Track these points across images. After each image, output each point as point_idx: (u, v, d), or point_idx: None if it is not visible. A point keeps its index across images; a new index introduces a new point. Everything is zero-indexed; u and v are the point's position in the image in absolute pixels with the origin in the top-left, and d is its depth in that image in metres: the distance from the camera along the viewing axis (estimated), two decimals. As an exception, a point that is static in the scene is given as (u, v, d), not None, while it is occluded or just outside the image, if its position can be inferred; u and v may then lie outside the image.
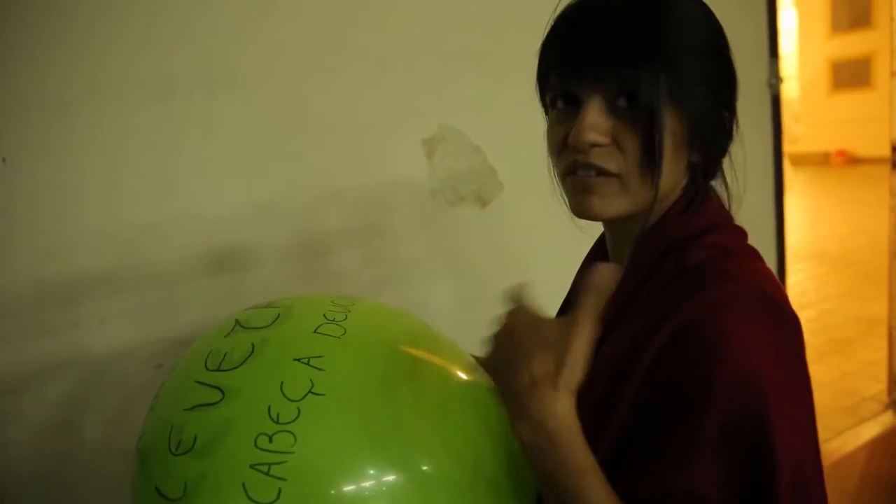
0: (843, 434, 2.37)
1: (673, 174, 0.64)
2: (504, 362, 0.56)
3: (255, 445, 0.52)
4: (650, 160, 0.61)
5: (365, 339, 0.64)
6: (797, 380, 0.60)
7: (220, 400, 0.56)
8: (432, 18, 1.39)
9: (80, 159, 1.07)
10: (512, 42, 1.39)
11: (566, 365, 0.53)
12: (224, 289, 1.20)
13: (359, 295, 1.06)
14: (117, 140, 1.10)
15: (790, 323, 0.60)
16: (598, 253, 0.83)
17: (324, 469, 0.53)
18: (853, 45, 10.44)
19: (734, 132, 0.68)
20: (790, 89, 4.59)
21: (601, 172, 0.62)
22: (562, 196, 0.70)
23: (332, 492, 0.52)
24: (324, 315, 0.65)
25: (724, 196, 0.71)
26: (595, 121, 0.61)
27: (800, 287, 4.15)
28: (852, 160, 10.81)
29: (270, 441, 0.52)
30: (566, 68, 0.64)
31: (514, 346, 0.56)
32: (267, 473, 0.51)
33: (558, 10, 0.67)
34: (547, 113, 0.73)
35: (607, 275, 0.54)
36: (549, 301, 0.87)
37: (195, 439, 0.55)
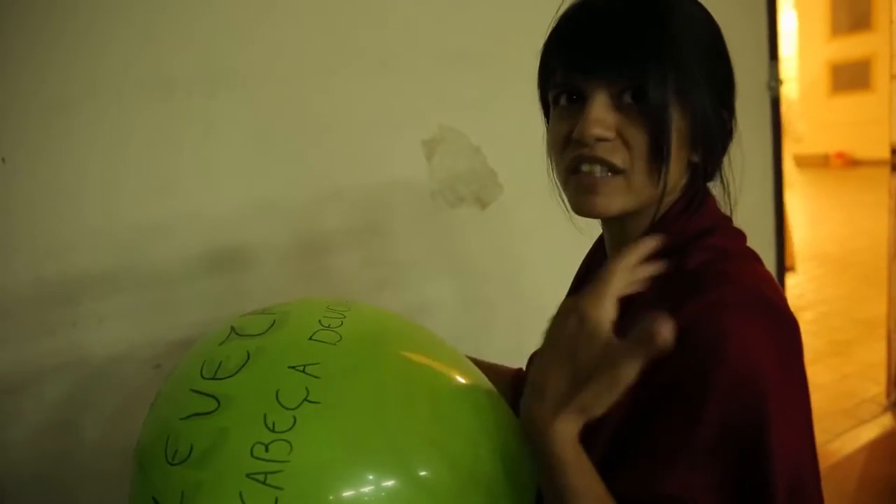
0: (842, 436, 2.37)
1: (675, 173, 0.64)
2: (534, 368, 0.56)
3: (252, 454, 0.52)
4: (656, 156, 0.62)
5: (361, 346, 0.63)
6: (795, 382, 0.60)
7: (216, 409, 0.56)
8: (432, 18, 1.39)
9: (80, 159, 1.07)
10: (512, 42, 1.40)
11: (586, 389, 0.51)
12: (224, 289, 1.20)
13: (358, 295, 1.06)
14: (117, 140, 1.10)
15: (789, 326, 0.60)
16: (597, 254, 0.83)
17: (321, 477, 0.52)
18: (853, 47, 10.45)
19: (733, 133, 0.68)
20: (790, 91, 4.58)
21: (606, 167, 0.62)
22: (561, 197, 0.70)
23: (330, 499, 0.52)
24: (319, 321, 0.65)
25: (723, 197, 0.71)
26: (601, 115, 0.61)
27: (799, 289, 4.15)
28: (852, 162, 10.82)
29: (266, 450, 0.52)
30: (572, 63, 0.64)
31: (544, 353, 0.55)
32: (263, 482, 0.51)
33: (561, 11, 0.67)
34: (547, 114, 0.73)
35: (668, 331, 0.48)
36: (547, 302, 0.87)
37: (191, 449, 0.54)
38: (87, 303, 1.09)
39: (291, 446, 0.52)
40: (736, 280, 0.60)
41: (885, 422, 2.47)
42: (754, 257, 0.67)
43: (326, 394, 0.56)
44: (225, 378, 0.58)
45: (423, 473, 0.55)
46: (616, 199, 0.63)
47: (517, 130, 1.25)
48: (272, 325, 0.64)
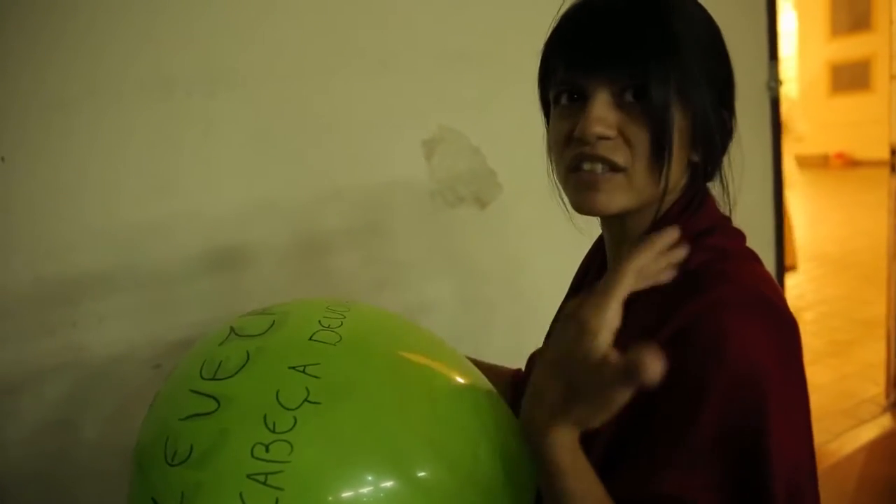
0: (841, 436, 2.37)
1: (675, 173, 0.64)
2: (535, 371, 0.55)
3: (252, 455, 0.52)
4: (658, 155, 0.62)
5: (361, 346, 0.63)
6: (795, 382, 0.60)
7: (216, 409, 0.56)
8: (432, 18, 1.39)
9: (80, 159, 1.07)
10: (512, 42, 1.40)
11: (580, 404, 0.50)
12: (223, 289, 1.21)
13: (358, 295, 1.06)
14: (117, 140, 1.10)
15: (788, 326, 0.60)
16: (596, 254, 0.83)
17: (321, 478, 0.52)
18: (853, 47, 10.45)
19: (733, 132, 0.69)
20: (790, 91, 4.59)
21: (608, 165, 0.62)
22: (561, 197, 0.70)
23: (331, 500, 0.52)
24: (319, 321, 0.64)
25: (722, 197, 0.71)
26: (602, 113, 0.61)
27: (799, 289, 4.15)
28: (851, 163, 10.82)
29: (267, 450, 0.52)
30: (574, 61, 0.64)
31: (546, 358, 0.54)
32: (264, 483, 0.51)
33: (562, 10, 0.67)
34: (547, 114, 0.73)
35: (657, 365, 0.46)
36: (546, 302, 0.87)
37: (191, 449, 0.54)
38: (86, 302, 1.09)
39: (292, 447, 0.52)
40: (735, 280, 0.60)
41: (884, 422, 2.47)
42: (754, 257, 0.67)
43: (327, 394, 0.56)
44: (225, 378, 0.58)
45: (422, 474, 0.55)
46: (617, 196, 0.63)
47: (517, 130, 1.26)
48: (272, 325, 0.64)
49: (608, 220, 0.72)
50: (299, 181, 1.27)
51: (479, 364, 0.76)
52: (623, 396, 0.48)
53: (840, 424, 2.45)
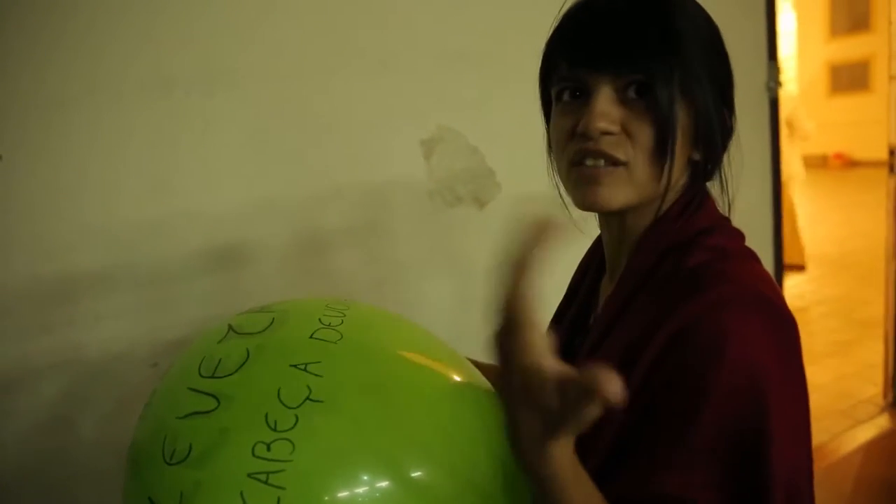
0: (839, 437, 2.37)
1: (676, 171, 0.64)
2: (504, 417, 0.49)
3: (253, 454, 0.51)
4: (660, 150, 0.62)
5: (362, 344, 0.63)
6: (795, 381, 0.60)
7: (216, 407, 0.55)
8: (432, 18, 1.39)
9: (80, 158, 1.07)
10: (512, 42, 1.40)
11: (562, 422, 0.46)
12: (222, 287, 1.21)
13: (357, 294, 1.06)
14: (116, 139, 1.10)
15: (788, 325, 0.60)
16: (595, 254, 0.83)
17: (323, 477, 0.52)
18: (852, 48, 10.47)
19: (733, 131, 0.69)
20: (793, 91, 4.60)
21: (610, 160, 0.62)
22: (561, 196, 0.70)
23: (333, 499, 0.51)
24: (319, 320, 0.64)
25: (721, 197, 0.71)
26: (606, 109, 0.61)
27: (798, 289, 4.16)
28: (850, 163, 10.84)
29: (268, 449, 0.51)
30: (577, 58, 0.64)
31: (506, 405, 0.48)
32: (265, 482, 0.50)
33: (564, 8, 0.67)
34: (547, 113, 0.73)
35: (616, 387, 0.41)
36: (546, 302, 0.87)
37: (190, 448, 0.54)
38: (85, 301, 1.09)
39: (294, 445, 0.52)
40: (735, 279, 0.60)
41: (882, 422, 2.47)
42: (753, 257, 0.67)
43: (329, 392, 0.56)
44: (224, 376, 0.58)
45: (423, 473, 0.55)
46: (619, 190, 0.63)
47: (517, 130, 1.26)
48: (271, 323, 0.64)
49: (608, 219, 0.73)
50: (299, 180, 1.27)
51: (479, 365, 0.76)
52: (593, 411, 0.43)
53: (838, 424, 2.45)
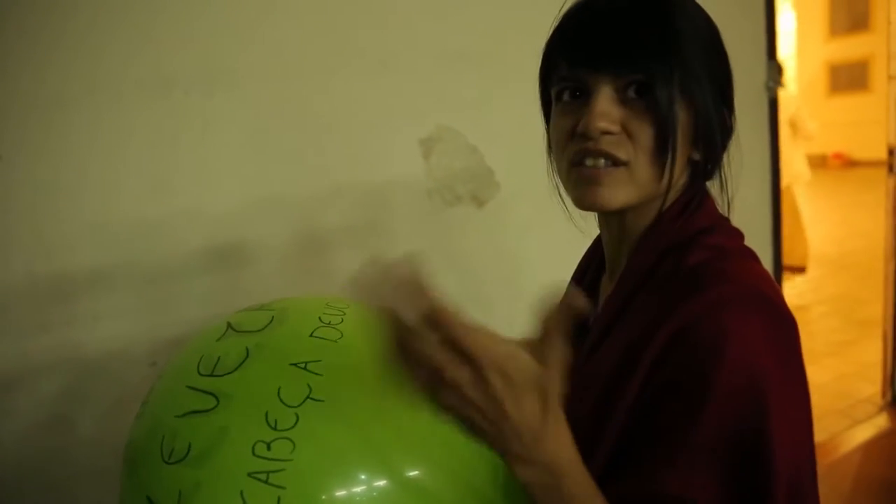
0: (837, 436, 2.38)
1: (676, 170, 0.65)
2: (483, 405, 0.48)
3: (253, 453, 0.51)
4: (661, 149, 0.62)
5: (363, 343, 0.63)
6: (795, 380, 0.60)
7: (215, 406, 0.55)
8: (432, 18, 1.40)
9: (80, 157, 1.07)
10: (511, 42, 1.40)
11: (550, 397, 0.48)
12: (221, 286, 1.21)
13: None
14: (116, 138, 1.10)
15: (788, 324, 0.60)
16: (594, 254, 0.83)
17: (324, 477, 0.52)
18: (851, 48, 10.47)
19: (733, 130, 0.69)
20: (794, 91, 4.61)
21: (610, 160, 0.62)
22: (560, 196, 0.70)
23: (333, 499, 0.51)
24: (319, 318, 0.64)
25: (721, 197, 0.71)
26: (606, 109, 0.62)
27: (797, 289, 4.16)
28: (849, 163, 10.84)
29: (268, 448, 0.51)
30: (577, 58, 0.64)
31: (486, 393, 0.48)
32: (266, 482, 0.50)
33: (564, 8, 0.67)
34: (546, 113, 0.73)
35: (581, 301, 0.47)
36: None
37: (189, 447, 0.53)
38: (84, 300, 1.09)
39: (294, 444, 0.52)
40: (735, 278, 0.60)
41: (880, 422, 2.48)
42: (752, 256, 0.68)
43: (330, 391, 0.55)
44: (224, 375, 0.57)
45: (422, 474, 0.55)
46: (619, 190, 0.63)
47: (516, 130, 1.26)
48: (271, 321, 0.63)
49: (607, 219, 0.73)
50: (298, 180, 1.27)
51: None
52: (560, 354, 0.48)
53: (837, 424, 2.45)
